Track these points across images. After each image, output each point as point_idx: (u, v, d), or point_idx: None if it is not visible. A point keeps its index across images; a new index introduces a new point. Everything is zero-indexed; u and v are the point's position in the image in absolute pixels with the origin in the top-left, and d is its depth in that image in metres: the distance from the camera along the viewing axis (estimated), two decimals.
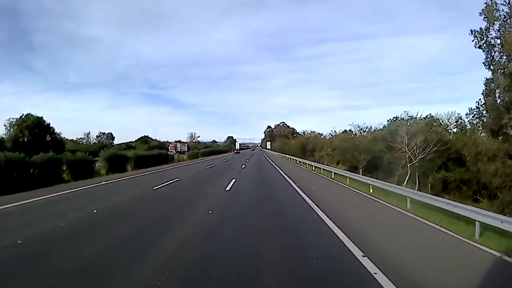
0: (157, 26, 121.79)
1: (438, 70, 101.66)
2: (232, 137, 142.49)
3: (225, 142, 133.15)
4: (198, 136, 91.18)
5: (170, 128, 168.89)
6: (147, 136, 75.49)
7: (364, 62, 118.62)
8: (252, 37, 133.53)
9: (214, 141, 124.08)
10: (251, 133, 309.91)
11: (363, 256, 4.38)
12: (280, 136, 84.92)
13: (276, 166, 26.36)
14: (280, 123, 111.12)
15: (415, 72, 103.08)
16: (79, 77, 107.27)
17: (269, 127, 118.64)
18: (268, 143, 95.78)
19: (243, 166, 26.21)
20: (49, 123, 33.35)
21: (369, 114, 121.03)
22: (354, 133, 38.77)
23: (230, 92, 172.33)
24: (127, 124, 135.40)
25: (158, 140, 75.25)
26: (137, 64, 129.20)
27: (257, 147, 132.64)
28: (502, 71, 16.48)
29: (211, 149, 61.74)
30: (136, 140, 76.43)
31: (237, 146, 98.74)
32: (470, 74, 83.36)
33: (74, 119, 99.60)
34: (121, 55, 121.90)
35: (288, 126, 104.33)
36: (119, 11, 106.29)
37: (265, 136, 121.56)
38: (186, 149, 58.68)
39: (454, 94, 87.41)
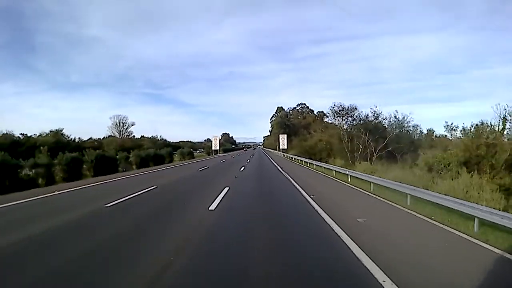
0: (157, 26, 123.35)
1: (438, 69, 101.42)
2: (228, 135, 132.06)
3: (220, 140, 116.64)
4: (132, 124, 49.29)
5: (170, 128, 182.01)
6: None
7: (364, 61, 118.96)
8: (252, 37, 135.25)
9: (208, 139, 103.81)
10: (252, 133, 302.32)
11: None
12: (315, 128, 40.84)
13: None
14: (298, 105, 67.37)
15: (415, 71, 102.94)
16: (81, 77, 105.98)
17: (280, 109, 70.94)
18: (282, 139, 49.49)
19: None
20: None
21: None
22: None
23: (231, 92, 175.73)
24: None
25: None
26: (138, 64, 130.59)
27: (258, 147, 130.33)
28: None
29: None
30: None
31: (215, 146, 55.33)
32: (470, 74, 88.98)
33: (75, 119, 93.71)
34: (122, 56, 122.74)
35: (312, 110, 62.32)
36: (120, 12, 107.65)
37: (272, 127, 73.55)
38: None
39: (454, 93, 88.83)
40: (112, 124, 46.80)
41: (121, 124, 44.93)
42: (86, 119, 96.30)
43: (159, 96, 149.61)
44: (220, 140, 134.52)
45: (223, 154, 52.55)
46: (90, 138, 42.04)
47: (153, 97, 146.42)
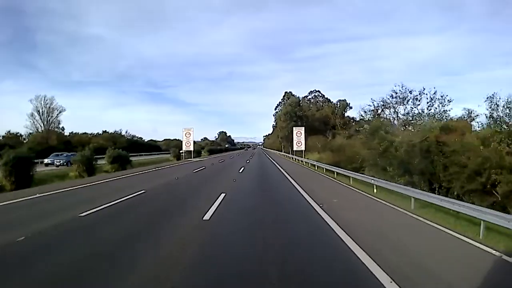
0: (158, 26, 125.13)
1: (438, 70, 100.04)
2: (225, 133, 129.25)
3: (217, 138, 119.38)
4: (61, 111, 34.96)
5: (170, 127, 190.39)
6: None
7: (364, 62, 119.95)
8: (252, 37, 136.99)
9: (205, 138, 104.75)
10: (252, 133, 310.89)
11: None
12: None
13: None
14: (310, 93, 51.46)
15: (415, 72, 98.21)
16: (82, 76, 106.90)
17: (288, 95, 50.35)
18: (298, 133, 29.85)
19: None
20: None
21: None
22: None
23: (231, 92, 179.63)
24: (128, 124, 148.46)
25: None
26: (138, 63, 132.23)
27: (258, 147, 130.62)
28: None
29: None
30: None
31: (186, 145, 32.49)
32: (470, 75, 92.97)
33: (76, 117, 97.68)
34: (123, 55, 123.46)
35: (328, 99, 48.13)
36: (121, 11, 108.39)
37: (277, 119, 52.87)
38: None
39: (455, 95, 75.42)
40: (33, 110, 32.35)
41: (46, 110, 30.42)
42: (86, 118, 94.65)
43: (159, 95, 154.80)
44: (216, 138, 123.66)
45: (199, 159, 33.75)
46: (9, 132, 28.10)
47: (153, 96, 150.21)
